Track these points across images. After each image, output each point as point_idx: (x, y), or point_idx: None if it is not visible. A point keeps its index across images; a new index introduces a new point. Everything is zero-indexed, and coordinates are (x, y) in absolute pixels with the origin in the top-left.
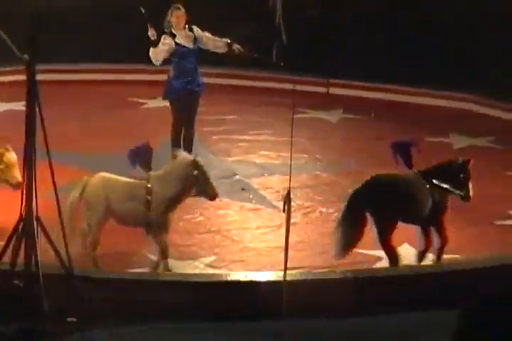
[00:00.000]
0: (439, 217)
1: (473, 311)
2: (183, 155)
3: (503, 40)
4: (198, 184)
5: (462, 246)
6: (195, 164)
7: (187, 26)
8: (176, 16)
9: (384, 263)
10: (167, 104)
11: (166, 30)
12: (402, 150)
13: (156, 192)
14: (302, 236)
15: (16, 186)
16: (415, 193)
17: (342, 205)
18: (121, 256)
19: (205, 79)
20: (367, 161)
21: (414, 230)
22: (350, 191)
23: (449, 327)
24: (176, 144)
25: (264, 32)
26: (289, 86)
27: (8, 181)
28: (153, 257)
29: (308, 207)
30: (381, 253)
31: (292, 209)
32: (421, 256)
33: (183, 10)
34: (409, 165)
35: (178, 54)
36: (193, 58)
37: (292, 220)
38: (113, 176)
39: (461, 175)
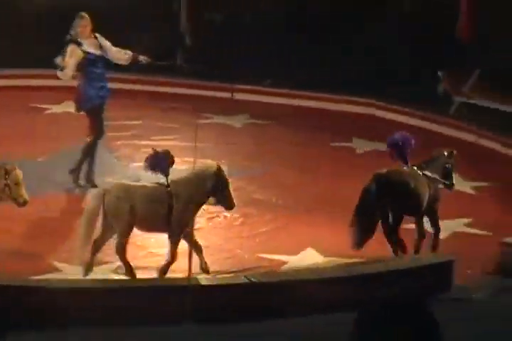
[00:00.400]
0: (433, 207)
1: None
2: (208, 162)
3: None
4: (219, 191)
5: None
6: (219, 172)
7: (92, 34)
8: (83, 25)
9: (288, 267)
10: (70, 109)
11: (71, 39)
12: (399, 149)
13: (180, 197)
14: (208, 241)
15: (22, 205)
16: (418, 186)
17: (247, 210)
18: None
19: (110, 85)
20: (272, 166)
21: (319, 233)
22: (255, 196)
23: None
24: (91, 149)
25: (168, 35)
26: (194, 91)
27: (16, 199)
28: (58, 264)
29: (213, 212)
30: (286, 257)
31: (197, 214)
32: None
33: (88, 18)
34: (406, 162)
35: (86, 61)
36: (100, 64)
37: (197, 225)
38: (131, 183)
39: (447, 165)
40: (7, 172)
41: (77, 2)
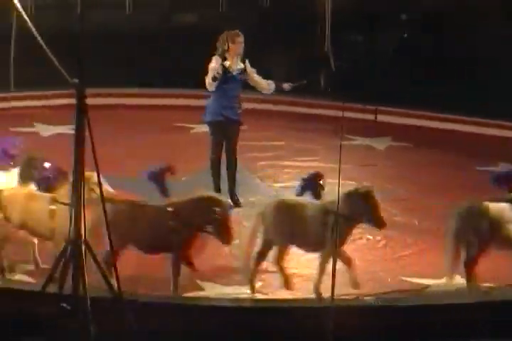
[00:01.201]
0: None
1: None
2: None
3: None
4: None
5: None
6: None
7: (239, 56)
8: (238, 42)
9: (430, 290)
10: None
11: (218, 53)
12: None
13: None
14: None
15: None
16: None
17: (389, 233)
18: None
19: (253, 105)
20: (414, 189)
21: None
22: (398, 218)
23: None
24: (214, 167)
25: (313, 58)
26: (337, 112)
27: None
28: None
29: (355, 234)
30: (429, 281)
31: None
32: None
33: (242, 37)
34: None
35: (223, 78)
36: (236, 86)
37: None
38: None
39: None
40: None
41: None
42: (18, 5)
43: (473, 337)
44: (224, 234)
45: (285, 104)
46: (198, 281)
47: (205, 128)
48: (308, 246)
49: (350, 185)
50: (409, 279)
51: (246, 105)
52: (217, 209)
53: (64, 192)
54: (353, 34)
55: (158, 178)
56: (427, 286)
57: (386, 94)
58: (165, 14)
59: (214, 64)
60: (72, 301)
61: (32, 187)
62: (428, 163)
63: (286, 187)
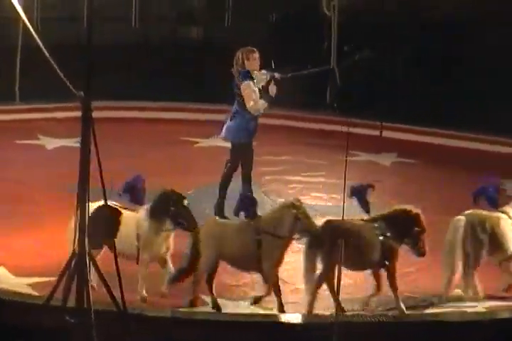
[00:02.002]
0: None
1: None
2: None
3: None
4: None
5: None
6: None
7: (255, 73)
8: (253, 58)
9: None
10: (219, 143)
11: (249, 75)
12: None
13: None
14: (353, 279)
15: None
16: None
17: None
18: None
19: (259, 120)
20: (420, 206)
21: None
22: None
23: None
24: (224, 186)
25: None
26: (342, 128)
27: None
28: (205, 297)
29: None
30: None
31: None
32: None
33: (257, 53)
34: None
35: None
36: None
37: None
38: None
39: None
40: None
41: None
42: (24, 17)
43: None
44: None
45: (291, 119)
46: (203, 296)
47: (210, 143)
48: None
49: (355, 201)
50: (414, 295)
51: None
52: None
53: None
54: (359, 49)
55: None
56: (432, 303)
57: (392, 110)
58: (171, 28)
59: (253, 88)
60: (77, 314)
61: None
62: (434, 180)
63: None
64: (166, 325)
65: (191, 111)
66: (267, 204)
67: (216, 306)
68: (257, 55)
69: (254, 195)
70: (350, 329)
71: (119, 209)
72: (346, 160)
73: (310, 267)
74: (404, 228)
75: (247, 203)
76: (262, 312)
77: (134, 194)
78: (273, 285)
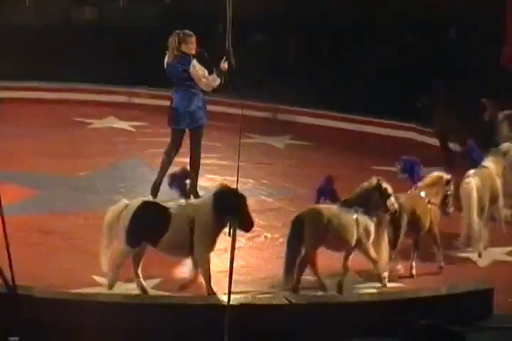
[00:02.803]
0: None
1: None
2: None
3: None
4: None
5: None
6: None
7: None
8: (191, 42)
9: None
10: (114, 124)
11: (190, 57)
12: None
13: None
14: (247, 261)
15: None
16: None
17: (287, 231)
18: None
19: (155, 102)
20: (311, 187)
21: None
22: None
23: None
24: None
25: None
26: (236, 110)
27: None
28: (97, 278)
29: (253, 232)
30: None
31: (237, 233)
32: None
33: (194, 37)
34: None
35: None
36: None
37: (237, 244)
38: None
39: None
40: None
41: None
42: None
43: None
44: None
45: None
46: (95, 277)
47: (103, 124)
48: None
49: (248, 183)
50: (306, 277)
51: (147, 101)
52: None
53: None
54: (255, 34)
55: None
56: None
57: (286, 93)
58: (64, 8)
59: (200, 67)
60: None
61: None
62: (328, 163)
63: None
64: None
65: (86, 92)
66: (162, 185)
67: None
68: (194, 38)
69: (150, 177)
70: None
71: (163, 204)
72: (240, 143)
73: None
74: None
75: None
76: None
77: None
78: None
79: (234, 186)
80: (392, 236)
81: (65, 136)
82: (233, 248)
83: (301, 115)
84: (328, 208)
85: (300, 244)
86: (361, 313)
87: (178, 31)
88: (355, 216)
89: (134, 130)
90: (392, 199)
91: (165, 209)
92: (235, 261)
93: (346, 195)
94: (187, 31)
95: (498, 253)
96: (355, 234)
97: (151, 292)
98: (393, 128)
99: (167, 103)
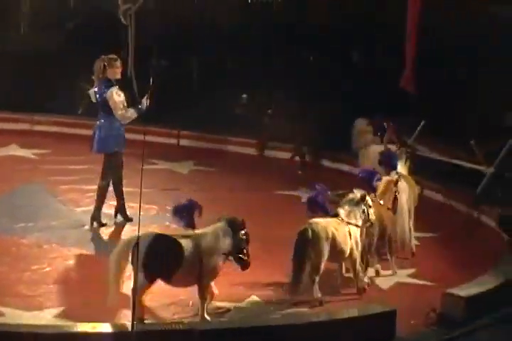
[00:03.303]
0: None
1: None
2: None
3: None
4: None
5: None
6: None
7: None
8: (116, 67)
9: (232, 314)
10: (16, 152)
11: (112, 83)
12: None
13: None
14: (152, 287)
15: None
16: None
17: None
18: None
19: (54, 128)
20: (215, 212)
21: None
22: None
23: None
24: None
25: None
26: (139, 136)
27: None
28: (1, 308)
29: None
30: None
31: None
32: None
33: (119, 61)
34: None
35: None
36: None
37: None
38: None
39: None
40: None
41: None
42: None
43: None
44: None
45: (87, 127)
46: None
47: (5, 152)
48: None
49: (152, 209)
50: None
51: (50, 128)
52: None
53: None
54: (157, 58)
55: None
56: (229, 309)
57: (188, 119)
58: None
59: (120, 96)
60: None
61: None
62: (230, 188)
63: (88, 211)
64: None
65: None
66: (64, 213)
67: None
68: (119, 63)
69: (52, 204)
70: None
71: (174, 237)
72: (142, 169)
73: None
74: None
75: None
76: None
77: (189, 218)
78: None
79: (137, 213)
80: None
81: None
82: (136, 275)
83: (202, 140)
84: (328, 222)
85: (306, 257)
86: (265, 338)
87: (103, 56)
88: (347, 227)
89: (36, 158)
90: (371, 210)
91: (177, 242)
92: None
93: (256, 219)
94: (113, 55)
95: (401, 275)
96: (348, 244)
97: (53, 321)
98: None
99: (65, 130)
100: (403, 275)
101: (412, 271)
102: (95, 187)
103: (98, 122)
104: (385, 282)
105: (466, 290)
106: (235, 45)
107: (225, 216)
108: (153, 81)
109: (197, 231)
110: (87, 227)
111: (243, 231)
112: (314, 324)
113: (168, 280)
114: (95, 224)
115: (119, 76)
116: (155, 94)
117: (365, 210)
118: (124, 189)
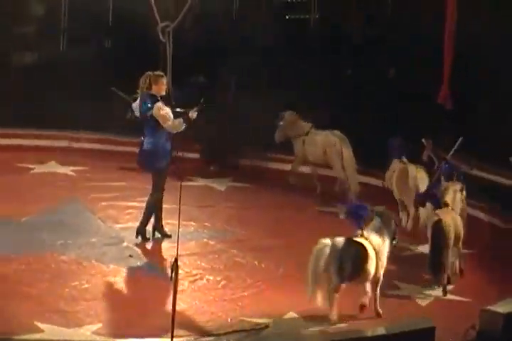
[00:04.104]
0: None
1: None
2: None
3: None
4: None
5: None
6: None
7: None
8: (162, 83)
9: (270, 330)
10: (55, 169)
11: (157, 98)
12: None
13: None
14: (189, 304)
15: None
16: None
17: (229, 273)
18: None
19: (88, 145)
20: (254, 230)
21: (299, 298)
22: (237, 259)
23: None
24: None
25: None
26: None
27: None
28: (41, 325)
29: (195, 275)
30: (269, 321)
31: (180, 276)
32: None
33: (165, 78)
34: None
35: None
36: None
37: (180, 288)
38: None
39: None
40: None
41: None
42: None
43: None
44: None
45: (124, 145)
46: (38, 323)
47: (45, 169)
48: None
49: (191, 226)
50: (248, 319)
51: (88, 145)
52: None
53: None
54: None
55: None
56: (267, 326)
57: None
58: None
59: (166, 109)
60: None
61: None
62: (268, 204)
63: (127, 227)
64: None
65: (26, 137)
66: (104, 230)
67: None
68: (165, 80)
69: (91, 221)
70: None
71: (359, 240)
72: (181, 185)
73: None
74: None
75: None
76: (98, 339)
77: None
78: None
79: (175, 229)
80: None
81: (6, 182)
82: (175, 291)
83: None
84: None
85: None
86: None
87: (149, 72)
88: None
89: (74, 174)
90: None
91: (362, 244)
92: (177, 305)
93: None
94: (158, 72)
95: (439, 291)
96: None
97: (92, 338)
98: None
99: (107, 147)
100: (441, 292)
101: (450, 287)
102: (134, 204)
103: (143, 138)
104: (422, 298)
105: (504, 307)
106: (271, 59)
107: (376, 210)
108: (202, 96)
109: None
110: (125, 244)
111: (393, 221)
112: (357, 340)
113: (353, 279)
114: (140, 238)
115: (163, 92)
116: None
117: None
118: (163, 206)
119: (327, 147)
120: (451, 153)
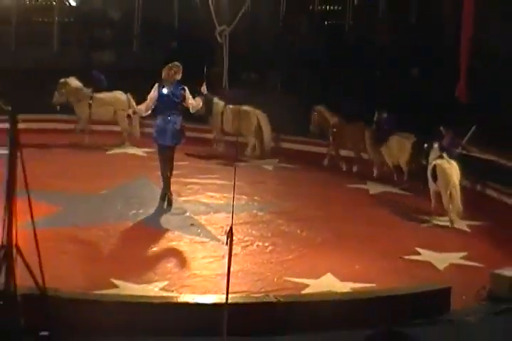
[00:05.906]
0: None
1: None
2: None
3: None
4: None
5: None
6: None
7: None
8: (180, 72)
9: (310, 289)
10: (128, 150)
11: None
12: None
13: None
14: (241, 266)
15: None
16: None
17: (275, 240)
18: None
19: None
20: (297, 203)
21: (337, 261)
22: (283, 228)
23: None
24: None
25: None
26: (228, 138)
27: None
28: (116, 281)
29: (247, 241)
30: (308, 281)
31: (233, 242)
32: None
33: (173, 68)
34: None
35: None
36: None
37: (233, 252)
38: None
39: None
40: None
41: None
42: None
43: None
44: None
45: (192, 130)
46: (114, 280)
47: (119, 150)
48: None
49: (243, 199)
50: (291, 279)
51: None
52: None
53: None
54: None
55: None
56: (307, 285)
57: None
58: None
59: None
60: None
61: None
62: (307, 182)
63: (189, 200)
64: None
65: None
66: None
67: None
68: (172, 70)
69: (157, 194)
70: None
71: None
72: (235, 165)
73: None
74: None
75: None
76: (165, 294)
77: None
78: None
79: (231, 202)
80: None
81: (86, 161)
82: (230, 255)
83: (287, 142)
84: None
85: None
86: (337, 310)
87: (170, 64)
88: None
89: (145, 155)
90: None
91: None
92: (231, 266)
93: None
94: (176, 63)
95: (455, 257)
96: None
97: (159, 293)
98: None
99: None
100: (456, 258)
101: (464, 253)
102: (193, 180)
103: (170, 117)
104: (440, 263)
105: (511, 271)
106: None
107: None
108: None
109: None
110: (188, 214)
111: None
112: (378, 298)
113: None
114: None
115: (170, 80)
116: None
117: None
118: (219, 182)
119: None
120: (467, 138)
